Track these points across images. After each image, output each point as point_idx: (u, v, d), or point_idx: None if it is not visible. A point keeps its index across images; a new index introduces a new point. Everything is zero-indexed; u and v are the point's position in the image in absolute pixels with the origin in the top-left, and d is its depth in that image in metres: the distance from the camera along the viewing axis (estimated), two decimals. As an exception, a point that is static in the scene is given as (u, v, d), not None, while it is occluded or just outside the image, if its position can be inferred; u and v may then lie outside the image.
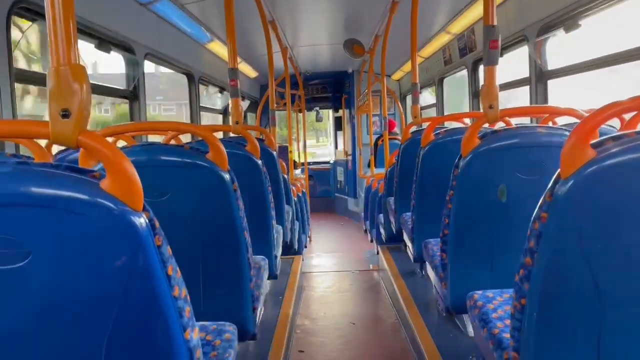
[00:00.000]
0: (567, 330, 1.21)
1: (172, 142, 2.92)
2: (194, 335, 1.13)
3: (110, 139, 2.23)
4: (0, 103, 2.32)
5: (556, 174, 1.16)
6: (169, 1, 3.85)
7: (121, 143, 2.81)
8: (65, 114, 0.97)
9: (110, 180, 0.96)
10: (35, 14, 2.65)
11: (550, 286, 1.20)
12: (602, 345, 1.16)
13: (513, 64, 4.09)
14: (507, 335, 1.54)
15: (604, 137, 1.14)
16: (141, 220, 0.97)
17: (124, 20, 3.60)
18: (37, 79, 2.80)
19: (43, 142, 2.27)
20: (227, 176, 1.85)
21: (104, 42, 3.38)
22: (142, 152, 1.83)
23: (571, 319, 1.20)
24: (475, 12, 4.43)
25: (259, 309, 2.27)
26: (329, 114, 11.09)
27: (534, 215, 1.21)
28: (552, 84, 3.60)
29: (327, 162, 11.09)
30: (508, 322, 1.59)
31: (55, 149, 2.69)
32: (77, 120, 0.98)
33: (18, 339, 0.97)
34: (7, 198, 0.92)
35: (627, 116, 2.01)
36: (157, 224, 1.02)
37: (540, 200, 1.19)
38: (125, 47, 3.69)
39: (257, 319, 2.17)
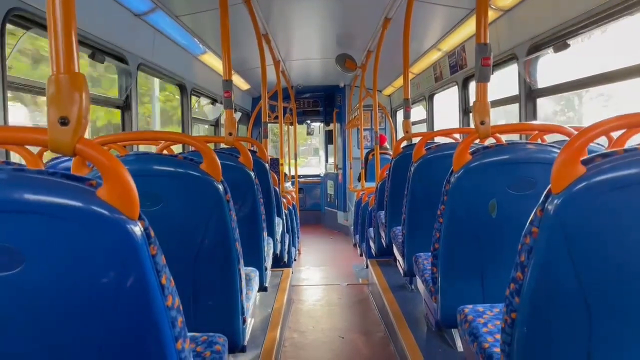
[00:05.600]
0: (557, 345, 1.22)
1: (165, 152, 2.92)
2: (186, 346, 1.12)
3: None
4: None
5: (547, 189, 1.18)
6: (163, 13, 3.87)
7: (113, 152, 2.80)
8: (64, 122, 0.98)
9: (107, 188, 0.96)
10: (30, 22, 2.66)
11: (540, 301, 1.22)
12: None
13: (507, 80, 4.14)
14: (497, 349, 1.55)
15: (594, 154, 1.16)
16: (137, 229, 0.97)
17: (118, 30, 3.61)
18: (30, 87, 2.79)
19: (34, 149, 2.26)
20: (220, 187, 1.85)
21: (98, 52, 3.38)
22: (135, 161, 1.83)
23: (561, 334, 1.21)
24: (466, 30, 4.51)
25: (249, 320, 2.26)
26: (319, 128, 11.15)
27: (524, 230, 1.23)
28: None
29: (318, 175, 11.12)
30: (498, 336, 1.60)
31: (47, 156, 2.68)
32: (76, 128, 0.98)
33: (11, 345, 0.96)
34: (2, 205, 0.91)
35: (615, 134, 2.05)
36: (152, 233, 1.02)
37: (531, 216, 1.21)
38: (118, 57, 3.69)
39: (247, 331, 2.16)
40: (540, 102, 3.79)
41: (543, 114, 3.91)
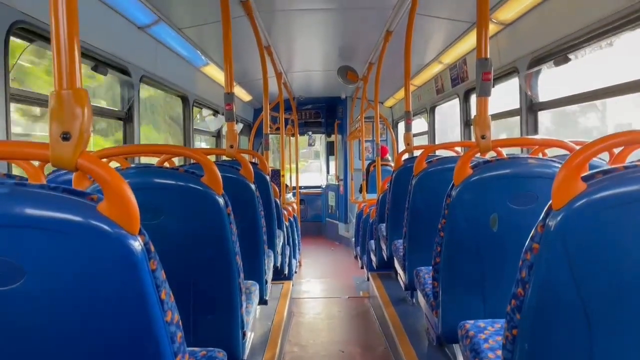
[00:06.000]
0: None
1: (166, 164, 2.92)
2: None
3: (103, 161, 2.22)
4: None
5: (547, 205, 1.17)
6: (166, 25, 3.89)
7: (114, 164, 2.81)
8: (66, 137, 0.98)
9: (108, 203, 0.96)
10: (34, 35, 2.68)
11: (541, 317, 1.21)
12: None
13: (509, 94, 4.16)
14: None
15: (595, 170, 1.16)
16: (137, 244, 0.97)
17: (121, 42, 3.64)
18: (33, 100, 2.80)
19: (36, 162, 2.26)
20: (221, 200, 1.85)
21: (101, 64, 3.40)
22: (136, 175, 1.83)
23: (562, 351, 1.20)
24: (468, 43, 4.53)
25: (249, 335, 2.24)
26: (321, 139, 11.18)
27: (525, 246, 1.23)
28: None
29: (319, 187, 11.12)
30: (499, 352, 1.59)
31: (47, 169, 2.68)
32: (77, 143, 0.99)
33: (11, 358, 0.96)
34: (4, 219, 0.91)
35: (617, 150, 2.05)
36: (152, 247, 1.02)
37: (532, 232, 1.21)
38: (121, 70, 3.71)
39: (247, 345, 2.15)
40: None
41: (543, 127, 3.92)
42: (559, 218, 1.13)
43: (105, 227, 0.94)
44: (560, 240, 1.14)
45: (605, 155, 2.50)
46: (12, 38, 2.44)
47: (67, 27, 0.98)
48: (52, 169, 2.79)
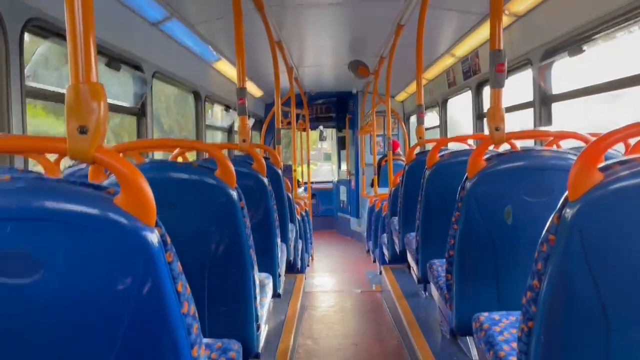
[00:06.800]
0: (575, 354, 1.20)
1: (179, 159, 2.94)
2: (202, 352, 1.13)
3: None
4: (12, 118, 2.35)
5: (564, 196, 1.16)
6: (178, 21, 3.91)
7: (129, 159, 2.83)
8: (83, 131, 0.99)
9: (125, 196, 0.97)
10: (48, 32, 2.71)
11: (557, 309, 1.20)
12: None
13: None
14: (513, 358, 1.53)
15: (611, 161, 1.15)
16: (153, 236, 0.98)
17: (134, 39, 3.66)
18: (48, 96, 2.84)
19: (52, 157, 2.29)
20: (234, 194, 1.86)
21: (114, 60, 3.43)
22: (151, 169, 1.85)
23: (579, 343, 1.20)
24: (480, 35, 4.49)
25: (263, 327, 2.26)
26: (332, 133, 11.17)
27: (541, 238, 1.22)
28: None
29: (330, 182, 11.12)
30: (514, 345, 1.59)
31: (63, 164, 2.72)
32: (94, 136, 1.00)
33: (28, 352, 0.97)
34: (23, 212, 0.93)
35: (632, 141, 2.02)
36: (168, 240, 1.03)
37: (548, 223, 1.20)
38: (134, 65, 3.74)
39: (261, 338, 2.16)
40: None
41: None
42: (575, 209, 1.12)
43: (123, 219, 0.95)
44: (576, 232, 1.13)
45: (620, 147, 2.47)
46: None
47: (82, 21, 0.99)
48: (68, 165, 2.83)
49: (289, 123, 7.02)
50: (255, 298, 2.01)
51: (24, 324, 0.96)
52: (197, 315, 1.13)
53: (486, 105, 5.07)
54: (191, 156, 4.70)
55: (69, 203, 0.95)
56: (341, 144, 10.77)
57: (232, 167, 1.86)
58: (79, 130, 0.99)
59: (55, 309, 0.96)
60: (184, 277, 1.07)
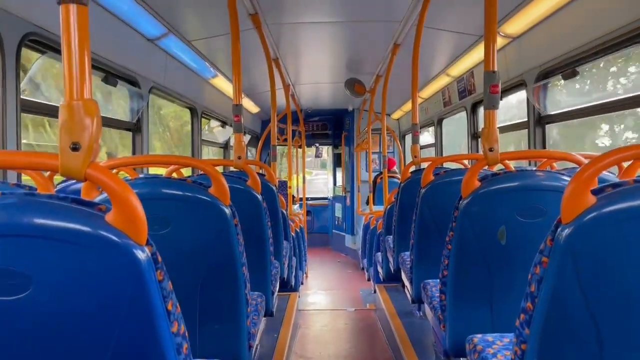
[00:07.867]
0: None
1: (174, 175, 2.93)
2: None
3: (112, 171, 2.24)
4: (7, 132, 2.34)
5: (557, 219, 1.16)
6: (176, 37, 3.94)
7: (122, 175, 2.83)
8: (75, 147, 0.99)
9: (116, 213, 0.96)
10: (45, 47, 2.71)
11: (551, 332, 1.19)
12: None
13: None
14: None
15: (604, 184, 1.15)
16: (144, 255, 0.97)
17: (131, 54, 3.68)
18: (43, 110, 2.84)
19: (46, 172, 2.28)
20: (228, 211, 1.85)
21: (111, 76, 3.44)
22: (144, 185, 1.84)
23: None
24: (475, 56, 4.54)
25: (255, 346, 2.23)
26: (328, 151, 11.20)
27: (535, 260, 1.21)
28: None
29: (326, 198, 11.11)
30: (508, 367, 1.57)
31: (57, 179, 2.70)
32: (87, 153, 0.99)
33: None
34: (13, 229, 0.92)
35: (626, 164, 2.03)
36: (159, 258, 1.02)
37: (541, 245, 1.20)
38: (130, 81, 3.75)
39: (253, 357, 2.13)
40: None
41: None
42: (568, 232, 1.12)
43: (113, 237, 0.95)
44: (569, 255, 1.13)
45: (614, 169, 2.48)
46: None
47: (78, 38, 0.99)
48: (61, 179, 2.82)
49: (286, 140, 7.03)
50: (248, 317, 1.99)
51: (11, 341, 0.95)
52: (187, 334, 1.11)
53: (481, 124, 5.10)
54: (187, 171, 4.70)
55: (59, 220, 0.94)
56: (337, 161, 10.80)
57: (226, 185, 1.85)
58: (72, 147, 0.99)
59: (43, 326, 0.95)
60: (174, 296, 1.06)
